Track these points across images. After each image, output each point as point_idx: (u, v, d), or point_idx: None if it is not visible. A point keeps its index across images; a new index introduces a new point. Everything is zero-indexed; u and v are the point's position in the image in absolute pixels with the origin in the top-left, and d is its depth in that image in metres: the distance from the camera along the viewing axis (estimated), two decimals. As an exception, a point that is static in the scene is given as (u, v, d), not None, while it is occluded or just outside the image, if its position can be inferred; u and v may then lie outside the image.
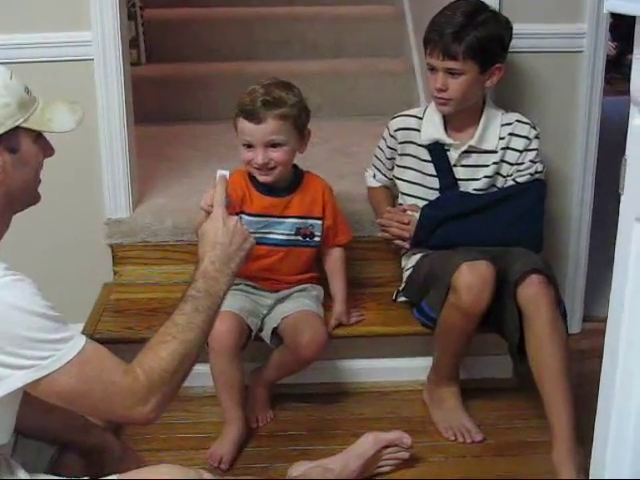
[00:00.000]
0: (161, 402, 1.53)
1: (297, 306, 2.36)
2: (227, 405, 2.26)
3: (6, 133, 1.50)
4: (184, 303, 1.61)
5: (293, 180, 2.41)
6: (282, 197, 2.38)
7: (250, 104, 2.24)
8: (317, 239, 2.42)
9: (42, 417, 1.74)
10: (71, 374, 1.45)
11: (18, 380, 1.42)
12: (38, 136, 1.58)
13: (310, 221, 2.40)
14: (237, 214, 2.25)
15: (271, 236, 2.37)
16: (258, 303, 2.39)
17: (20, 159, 1.54)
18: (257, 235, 2.25)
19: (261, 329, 2.38)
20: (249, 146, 2.28)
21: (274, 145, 2.26)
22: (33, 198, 1.63)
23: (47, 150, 1.61)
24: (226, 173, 1.86)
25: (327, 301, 2.49)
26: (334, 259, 2.48)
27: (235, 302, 2.26)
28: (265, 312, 2.39)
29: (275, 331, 2.34)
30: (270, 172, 2.30)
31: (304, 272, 2.45)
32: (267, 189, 2.36)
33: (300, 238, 2.40)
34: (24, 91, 1.55)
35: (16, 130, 1.52)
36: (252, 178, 2.36)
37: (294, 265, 2.42)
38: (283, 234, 2.38)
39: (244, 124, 2.26)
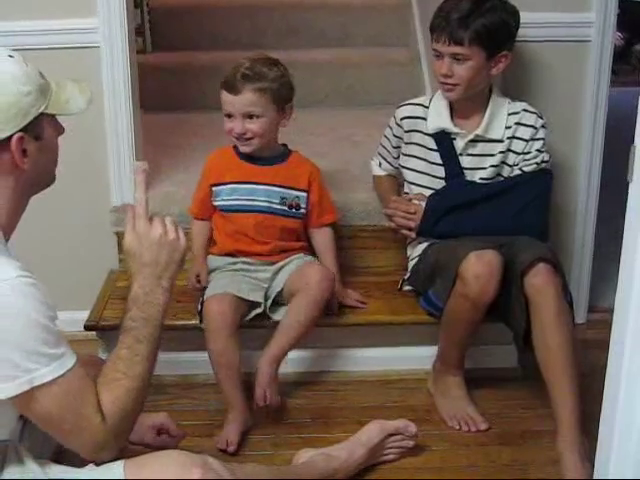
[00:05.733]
0: (121, 441, 1.54)
1: (297, 265, 2.42)
2: (227, 388, 2.28)
3: (32, 121, 1.50)
4: (124, 335, 1.56)
5: (280, 153, 2.48)
6: (267, 166, 2.45)
7: (231, 76, 2.35)
8: (303, 210, 2.47)
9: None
10: (52, 395, 1.43)
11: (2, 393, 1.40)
12: (52, 117, 1.57)
13: (295, 192, 2.45)
14: (214, 185, 2.42)
15: (256, 203, 2.42)
16: (258, 279, 2.42)
17: (44, 145, 1.54)
18: (244, 203, 2.41)
19: (267, 299, 2.41)
20: (229, 116, 2.37)
21: (251, 116, 2.35)
22: (51, 179, 1.63)
23: (59, 129, 1.61)
24: (141, 164, 1.71)
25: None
26: (323, 238, 2.52)
27: (232, 283, 2.33)
28: (266, 286, 2.42)
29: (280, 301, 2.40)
30: (248, 142, 2.39)
31: (295, 240, 2.49)
32: (251, 159, 2.44)
33: (286, 208, 2.45)
34: (40, 76, 1.55)
35: (40, 117, 1.52)
36: (237, 148, 2.45)
37: (283, 232, 2.46)
38: (268, 202, 2.43)
39: (224, 95, 2.37)
